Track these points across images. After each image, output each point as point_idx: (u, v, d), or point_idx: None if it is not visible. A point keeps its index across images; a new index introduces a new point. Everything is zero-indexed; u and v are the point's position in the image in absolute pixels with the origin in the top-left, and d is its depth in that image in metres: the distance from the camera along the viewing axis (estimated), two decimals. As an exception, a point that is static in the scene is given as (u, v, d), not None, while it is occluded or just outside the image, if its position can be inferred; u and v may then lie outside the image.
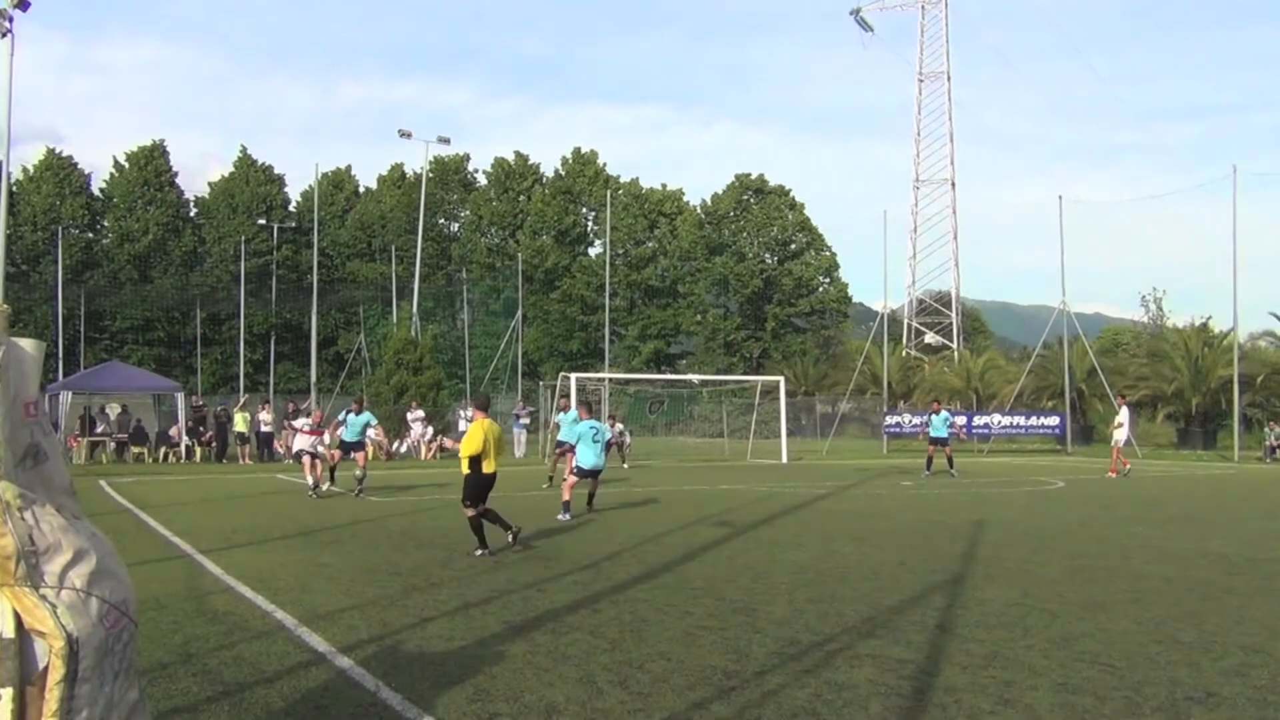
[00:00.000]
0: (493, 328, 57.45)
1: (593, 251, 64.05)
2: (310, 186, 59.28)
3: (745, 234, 64.47)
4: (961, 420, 31.61)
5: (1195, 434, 39.36)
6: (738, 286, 62.19)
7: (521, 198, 65.22)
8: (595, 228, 63.65)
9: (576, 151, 65.68)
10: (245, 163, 63.52)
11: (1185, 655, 5.96)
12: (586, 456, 13.96)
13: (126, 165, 60.89)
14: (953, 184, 61.70)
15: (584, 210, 64.71)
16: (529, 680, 5.34)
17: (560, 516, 13.30)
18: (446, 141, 40.38)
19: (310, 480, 17.14)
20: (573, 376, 29.09)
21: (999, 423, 37.53)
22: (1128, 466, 24.27)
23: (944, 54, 62.70)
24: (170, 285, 58.60)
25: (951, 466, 23.27)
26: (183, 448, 28.00)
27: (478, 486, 10.22)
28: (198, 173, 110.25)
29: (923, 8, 62.94)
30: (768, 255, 64.52)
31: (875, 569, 9.24)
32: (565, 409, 19.35)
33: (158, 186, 60.58)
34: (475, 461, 10.21)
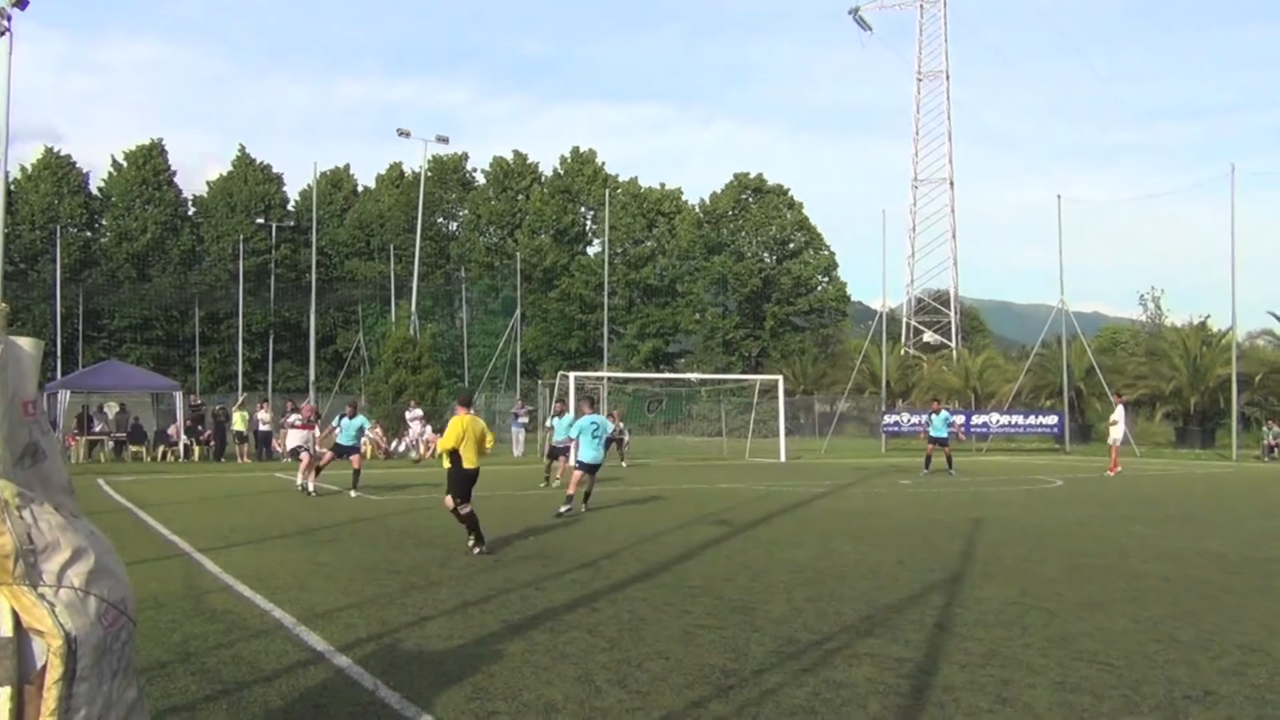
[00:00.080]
0: (491, 326, 57.41)
1: (591, 250, 64.02)
2: (309, 185, 59.16)
3: (744, 233, 64.46)
4: (960, 419, 31.61)
5: (1193, 433, 39.41)
6: (736, 285, 62.18)
7: (520, 197, 65.17)
8: (594, 227, 63.61)
9: (575, 150, 65.63)
10: (244, 162, 63.44)
11: (1183, 654, 5.96)
12: (587, 451, 13.99)
13: (125, 164, 60.78)
14: (951, 183, 61.74)
15: (583, 209, 64.65)
16: (527, 679, 5.34)
17: (563, 508, 13.48)
18: (445, 141, 40.36)
19: (299, 479, 17.43)
20: (571, 375, 29.11)
21: (997, 422, 37.55)
22: (1116, 471, 23.95)
23: (943, 53, 62.75)
24: (169, 284, 58.51)
25: (950, 465, 23.29)
26: (181, 446, 27.98)
27: (460, 481, 10.21)
28: (196, 172, 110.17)
29: (921, 7, 62.93)
30: (766, 254, 64.52)
31: (873, 568, 9.25)
32: (561, 413, 19.30)
33: (156, 185, 60.49)
34: (455, 456, 10.23)
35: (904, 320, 61.18)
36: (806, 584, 8.30)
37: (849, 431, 46.04)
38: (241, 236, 57.48)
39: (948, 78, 62.17)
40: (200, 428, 29.16)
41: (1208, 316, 47.70)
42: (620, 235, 59.94)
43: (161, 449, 28.18)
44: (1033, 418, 37.88)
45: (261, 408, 29.64)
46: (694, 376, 42.22)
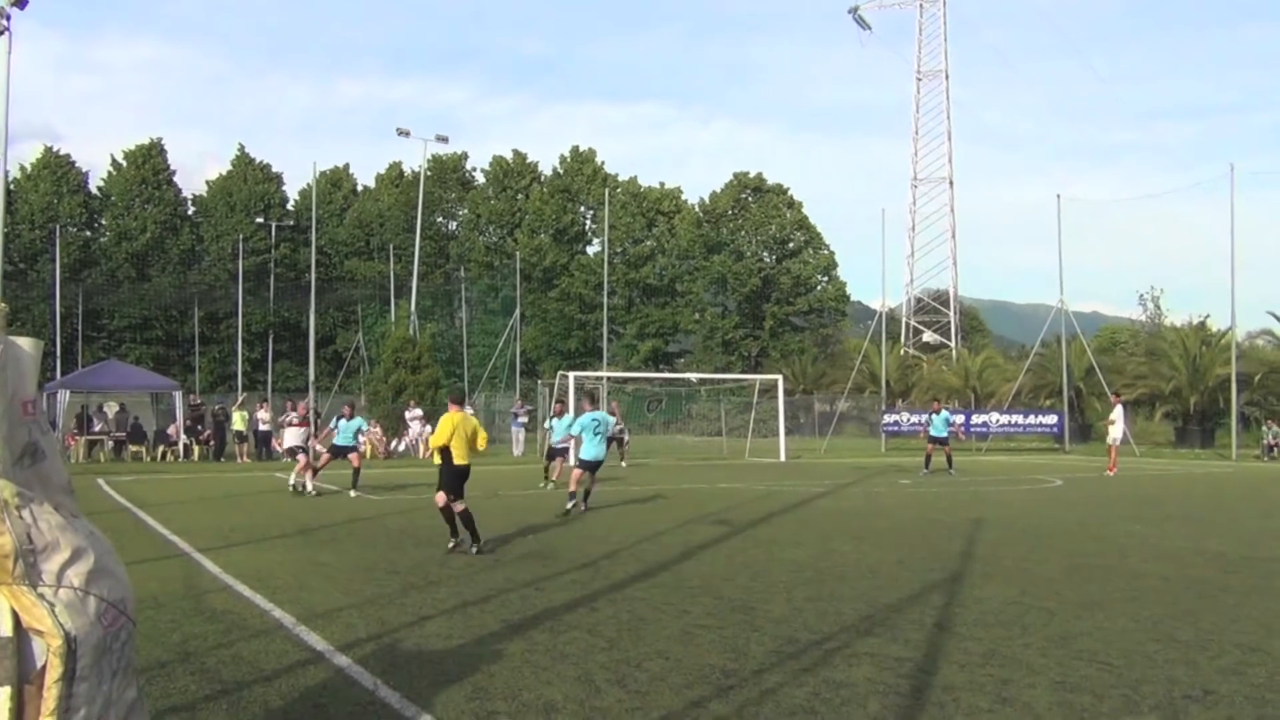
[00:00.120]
0: (491, 326, 57.41)
1: (591, 250, 64.01)
2: (308, 185, 59.10)
3: (743, 232, 64.43)
4: (960, 419, 31.63)
5: (1193, 432, 39.41)
6: (736, 285, 62.16)
7: (520, 196, 65.15)
8: (593, 226, 63.59)
9: (575, 150, 65.60)
10: (243, 161, 63.42)
11: (1183, 653, 5.96)
12: (589, 449, 13.99)
13: (124, 164, 60.75)
14: (951, 182, 61.76)
15: (582, 209, 64.63)
16: (527, 678, 5.34)
17: (568, 504, 13.55)
18: (445, 140, 40.33)
19: (291, 478, 17.59)
20: (571, 375, 29.12)
21: (997, 421, 37.54)
22: (1115, 470, 23.91)
23: (942, 53, 62.79)
24: (168, 284, 58.48)
25: (950, 465, 23.30)
26: (180, 446, 27.98)
27: (452, 477, 10.23)
28: (195, 171, 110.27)
29: (921, 6, 62.96)
30: (766, 254, 64.48)
31: (873, 567, 9.25)
32: (560, 413, 19.29)
33: (155, 185, 60.46)
34: (446, 453, 10.26)
35: (903, 320, 61.19)
36: (806, 584, 8.30)
37: (849, 431, 46.04)
38: (241, 236, 57.47)
39: (947, 77, 62.25)
40: (200, 427, 29.16)
41: (1207, 316, 47.66)
42: (620, 235, 59.93)
43: (161, 449, 28.17)
44: (1032, 417, 37.87)
45: (261, 407, 29.64)
46: (694, 376, 42.28)
